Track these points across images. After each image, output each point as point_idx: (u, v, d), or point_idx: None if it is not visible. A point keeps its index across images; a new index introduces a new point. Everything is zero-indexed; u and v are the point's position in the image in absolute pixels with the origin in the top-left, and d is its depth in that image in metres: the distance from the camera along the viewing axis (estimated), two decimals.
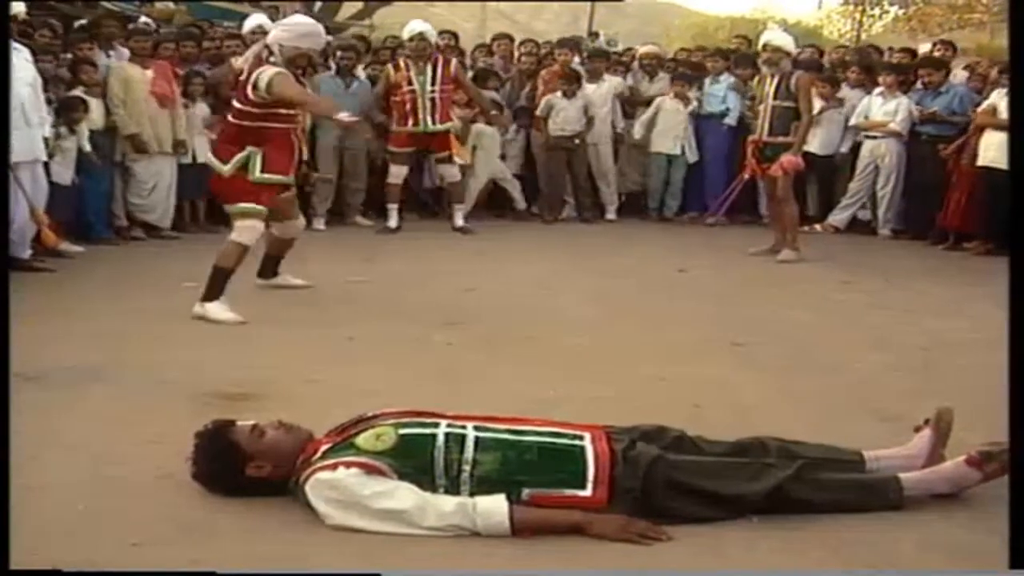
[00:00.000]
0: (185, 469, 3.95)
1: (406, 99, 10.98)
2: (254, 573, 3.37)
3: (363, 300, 7.10)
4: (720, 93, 12.70)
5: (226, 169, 7.13)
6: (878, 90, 11.90)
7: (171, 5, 14.94)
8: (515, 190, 12.91)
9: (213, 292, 7.06)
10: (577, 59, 13.38)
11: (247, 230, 7.14)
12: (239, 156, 7.08)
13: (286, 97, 6.96)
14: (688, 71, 13.14)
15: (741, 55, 13.40)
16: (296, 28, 7.24)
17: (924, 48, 13.62)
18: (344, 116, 7.14)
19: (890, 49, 14.19)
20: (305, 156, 7.98)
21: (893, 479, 3.96)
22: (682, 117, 12.64)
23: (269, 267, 8.05)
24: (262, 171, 7.08)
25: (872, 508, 3.88)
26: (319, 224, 11.28)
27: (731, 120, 12.55)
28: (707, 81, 12.92)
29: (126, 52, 10.75)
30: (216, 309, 7.00)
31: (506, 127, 12.47)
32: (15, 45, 7.97)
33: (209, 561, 3.42)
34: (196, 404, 5.03)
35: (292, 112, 7.20)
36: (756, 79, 10.58)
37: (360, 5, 24.69)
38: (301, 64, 7.25)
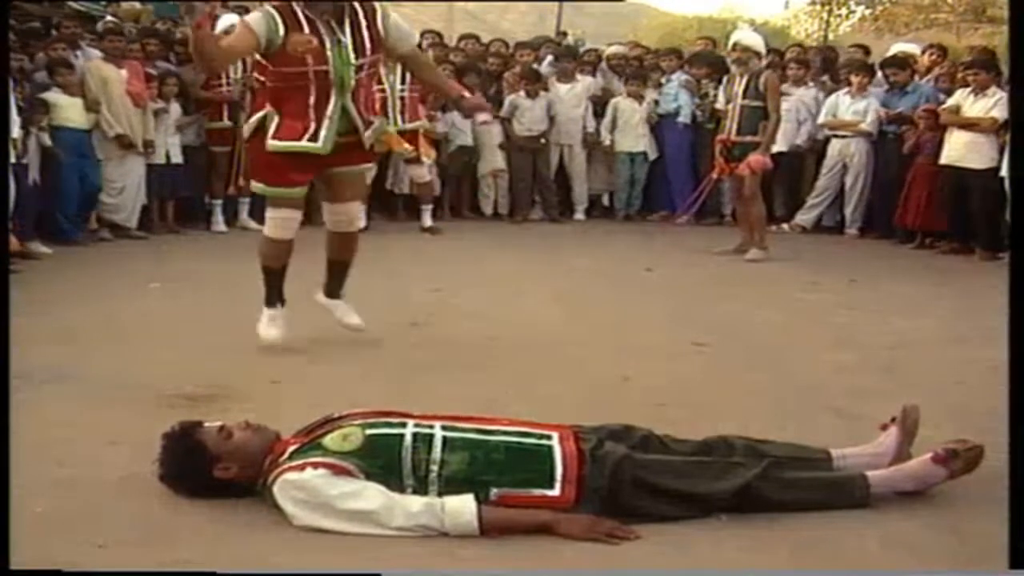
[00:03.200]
0: (150, 470, 3.92)
1: (375, 97, 10.92)
2: (255, 573, 3.36)
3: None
4: (672, 91, 12.77)
5: (245, 128, 6.26)
6: (845, 90, 11.95)
7: (137, 5, 14.83)
8: (491, 189, 12.96)
9: (268, 296, 6.27)
10: (551, 59, 13.45)
11: (274, 222, 6.18)
12: (258, 115, 6.07)
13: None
14: (639, 70, 13.23)
15: (695, 54, 13.51)
16: None
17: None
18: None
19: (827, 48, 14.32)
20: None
21: (860, 477, 3.97)
22: (640, 116, 12.70)
23: (331, 280, 6.56)
24: (273, 137, 5.93)
25: (839, 506, 3.89)
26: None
27: (683, 118, 12.64)
28: (663, 80, 12.99)
29: (93, 52, 10.72)
30: (263, 323, 6.24)
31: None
32: None
33: (176, 562, 3.41)
34: (161, 405, 5.01)
35: (304, 68, 5.78)
36: (725, 78, 10.61)
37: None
38: (325, 9, 5.79)
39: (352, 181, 6.31)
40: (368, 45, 5.89)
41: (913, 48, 13.71)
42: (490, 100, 12.60)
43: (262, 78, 6.17)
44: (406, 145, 6.24)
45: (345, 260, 6.46)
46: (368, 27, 5.89)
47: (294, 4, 5.79)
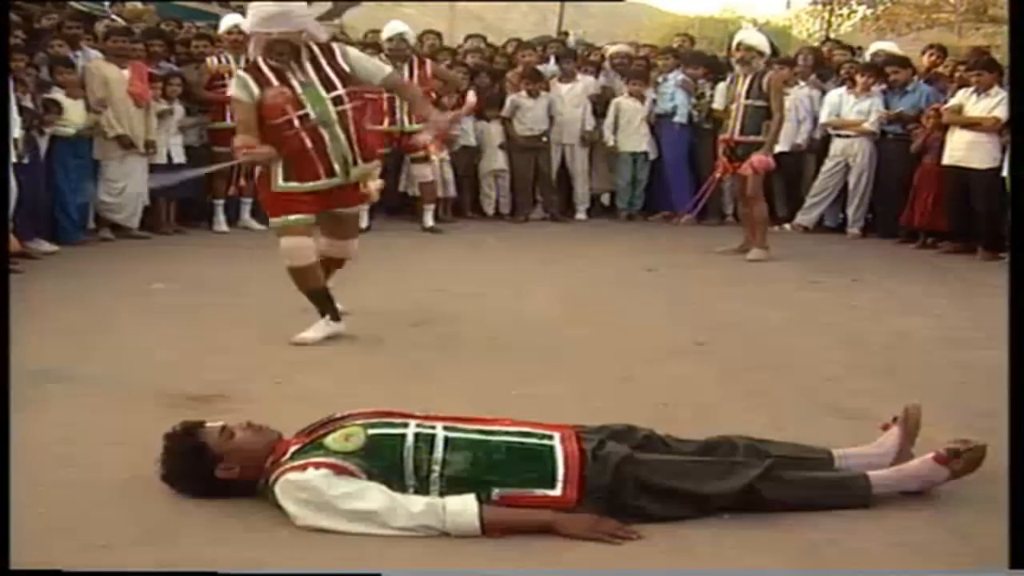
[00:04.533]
0: (152, 470, 3.93)
1: (383, 98, 10.94)
2: (256, 573, 3.37)
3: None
4: (668, 91, 12.77)
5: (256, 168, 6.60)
6: (844, 89, 11.93)
7: (139, 5, 14.84)
8: (492, 189, 12.96)
9: (320, 309, 6.55)
10: (553, 59, 13.47)
11: (290, 251, 6.39)
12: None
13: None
14: (640, 69, 13.21)
15: (692, 54, 13.50)
16: (259, 11, 6.28)
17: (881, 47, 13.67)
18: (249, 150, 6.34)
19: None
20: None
21: (861, 477, 3.97)
22: (642, 115, 12.72)
23: None
24: (284, 179, 6.33)
25: (841, 506, 3.89)
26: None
27: (680, 118, 12.63)
28: (659, 80, 12.99)
29: (93, 53, 10.71)
30: (312, 328, 6.49)
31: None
32: None
33: (176, 562, 3.42)
34: (162, 405, 5.01)
35: (288, 116, 6.21)
36: (728, 78, 10.59)
37: (329, 5, 24.59)
38: (281, 51, 6.20)
39: (354, 219, 6.98)
40: (336, 80, 6.30)
41: (893, 47, 13.67)
42: (493, 99, 12.65)
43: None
44: (374, 188, 7.03)
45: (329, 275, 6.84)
46: (329, 63, 6.32)
47: (259, 61, 6.33)
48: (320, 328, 6.47)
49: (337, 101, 6.27)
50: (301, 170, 6.30)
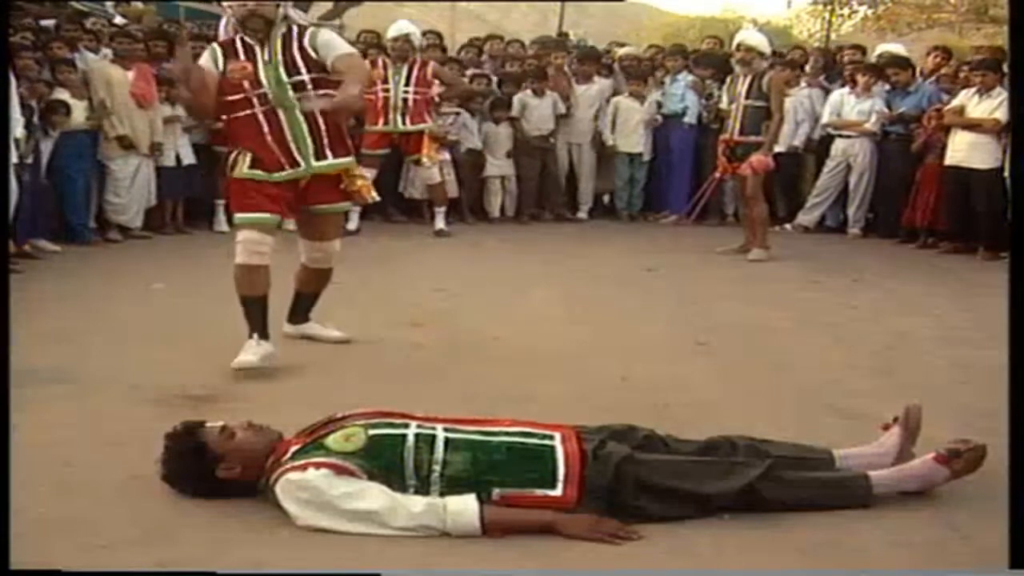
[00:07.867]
0: (152, 470, 3.93)
1: (379, 98, 10.91)
2: (256, 573, 3.37)
3: (330, 302, 7.07)
4: (679, 92, 12.75)
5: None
6: (846, 89, 11.93)
7: (140, 5, 14.85)
8: (498, 192, 12.93)
9: (249, 324, 5.95)
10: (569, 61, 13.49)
11: (244, 244, 5.97)
12: (233, 155, 6.02)
13: None
14: (643, 70, 13.23)
15: (701, 54, 13.49)
16: None
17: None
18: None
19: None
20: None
21: (862, 477, 3.97)
22: (640, 116, 12.70)
23: (298, 309, 6.58)
24: (250, 166, 5.88)
25: (841, 506, 3.89)
26: (287, 225, 11.14)
27: (690, 119, 12.64)
28: (667, 80, 12.98)
29: (90, 55, 10.72)
30: (244, 349, 5.85)
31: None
32: None
33: (176, 562, 3.42)
34: (162, 406, 5.01)
35: (244, 93, 5.83)
36: (728, 78, 10.59)
37: (330, 5, 24.63)
38: (255, 27, 5.82)
39: (335, 219, 6.38)
40: (300, 63, 5.83)
41: (900, 48, 13.67)
42: (500, 101, 12.63)
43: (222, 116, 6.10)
44: (374, 195, 6.25)
45: (317, 293, 6.55)
46: (299, 46, 5.86)
47: (235, 36, 5.94)
48: (251, 349, 5.84)
49: (298, 87, 5.80)
50: (264, 158, 5.84)
